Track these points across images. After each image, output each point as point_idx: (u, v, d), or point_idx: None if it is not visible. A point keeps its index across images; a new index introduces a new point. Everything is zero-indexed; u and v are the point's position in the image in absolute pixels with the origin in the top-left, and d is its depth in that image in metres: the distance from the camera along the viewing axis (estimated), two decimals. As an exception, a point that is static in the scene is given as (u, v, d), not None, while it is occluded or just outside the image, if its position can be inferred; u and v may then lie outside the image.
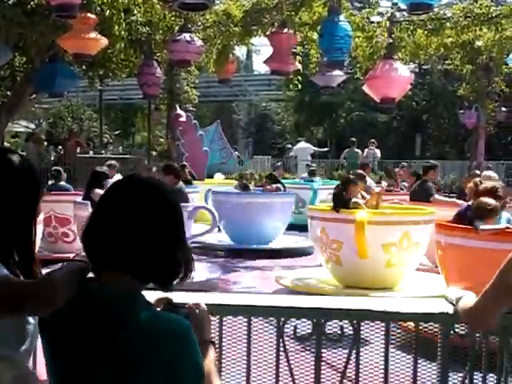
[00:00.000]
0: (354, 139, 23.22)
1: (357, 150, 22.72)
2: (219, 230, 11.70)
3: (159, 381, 1.74)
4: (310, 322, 3.00)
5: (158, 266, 1.84)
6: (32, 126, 32.86)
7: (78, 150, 21.31)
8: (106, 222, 1.83)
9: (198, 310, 2.04)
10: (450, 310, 2.77)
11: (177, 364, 1.74)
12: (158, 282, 1.88)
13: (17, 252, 2.06)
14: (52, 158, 20.76)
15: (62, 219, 10.89)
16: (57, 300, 1.82)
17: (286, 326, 3.02)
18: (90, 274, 1.93)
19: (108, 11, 10.84)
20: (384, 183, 15.02)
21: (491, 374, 2.97)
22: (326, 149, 29.16)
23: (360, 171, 11.90)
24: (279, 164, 21.69)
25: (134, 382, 1.75)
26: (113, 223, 1.82)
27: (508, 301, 2.31)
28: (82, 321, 1.81)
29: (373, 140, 23.26)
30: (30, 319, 2.01)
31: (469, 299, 2.51)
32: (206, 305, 2.13)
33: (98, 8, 10.70)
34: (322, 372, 3.06)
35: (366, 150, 22.90)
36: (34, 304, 1.84)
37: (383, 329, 3.02)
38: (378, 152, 22.92)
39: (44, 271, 2.06)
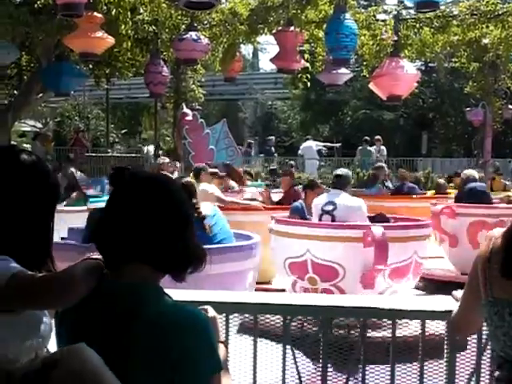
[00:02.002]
0: (367, 138, 23.18)
1: (370, 148, 22.69)
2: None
3: (174, 370, 1.75)
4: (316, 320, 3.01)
5: (170, 252, 1.89)
6: (39, 125, 32.86)
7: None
8: (118, 216, 1.90)
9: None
10: (455, 307, 2.77)
11: (191, 354, 1.76)
12: (171, 271, 1.93)
13: (34, 250, 2.07)
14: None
15: (325, 268, 6.93)
16: (74, 293, 1.85)
17: (292, 323, 3.02)
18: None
19: (114, 10, 10.83)
20: None
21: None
22: (337, 144, 28.99)
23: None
24: (293, 163, 21.78)
25: (148, 371, 1.76)
26: (123, 216, 1.88)
27: (478, 304, 2.30)
28: (98, 314, 1.85)
29: (378, 137, 23.21)
30: (45, 318, 2.02)
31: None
32: (213, 302, 2.13)
33: (105, 7, 10.70)
34: (329, 370, 3.07)
35: (373, 147, 22.89)
36: (49, 297, 1.86)
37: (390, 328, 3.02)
38: (384, 150, 22.89)
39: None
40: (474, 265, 2.30)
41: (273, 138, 28.57)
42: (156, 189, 1.93)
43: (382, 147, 22.88)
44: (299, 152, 24.97)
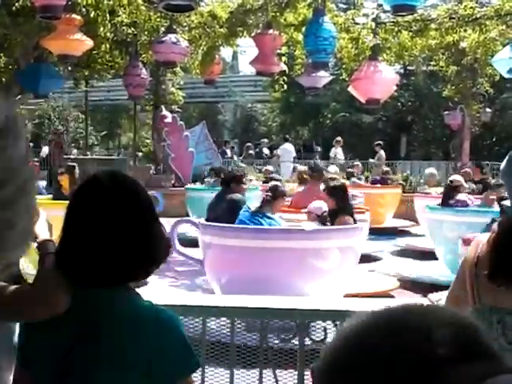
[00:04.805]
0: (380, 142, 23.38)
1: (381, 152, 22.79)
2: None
3: (149, 368, 1.76)
4: (293, 323, 3.01)
5: (137, 255, 1.85)
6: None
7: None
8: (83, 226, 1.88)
9: None
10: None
11: (167, 354, 1.77)
12: (138, 272, 1.90)
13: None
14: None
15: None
16: (58, 304, 1.83)
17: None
18: None
19: (93, 12, 10.80)
20: None
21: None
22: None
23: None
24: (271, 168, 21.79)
25: (121, 369, 1.78)
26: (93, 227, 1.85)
27: (462, 309, 2.29)
28: (71, 316, 1.83)
29: (338, 139, 23.29)
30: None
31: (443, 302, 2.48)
32: (191, 306, 2.12)
33: (83, 9, 10.66)
34: (306, 373, 3.07)
35: (332, 149, 23.05)
36: (32, 309, 1.85)
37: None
38: (340, 152, 22.97)
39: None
40: (461, 268, 2.28)
41: (266, 140, 28.53)
42: (117, 195, 1.88)
43: (339, 149, 23.00)
44: (278, 152, 24.92)
